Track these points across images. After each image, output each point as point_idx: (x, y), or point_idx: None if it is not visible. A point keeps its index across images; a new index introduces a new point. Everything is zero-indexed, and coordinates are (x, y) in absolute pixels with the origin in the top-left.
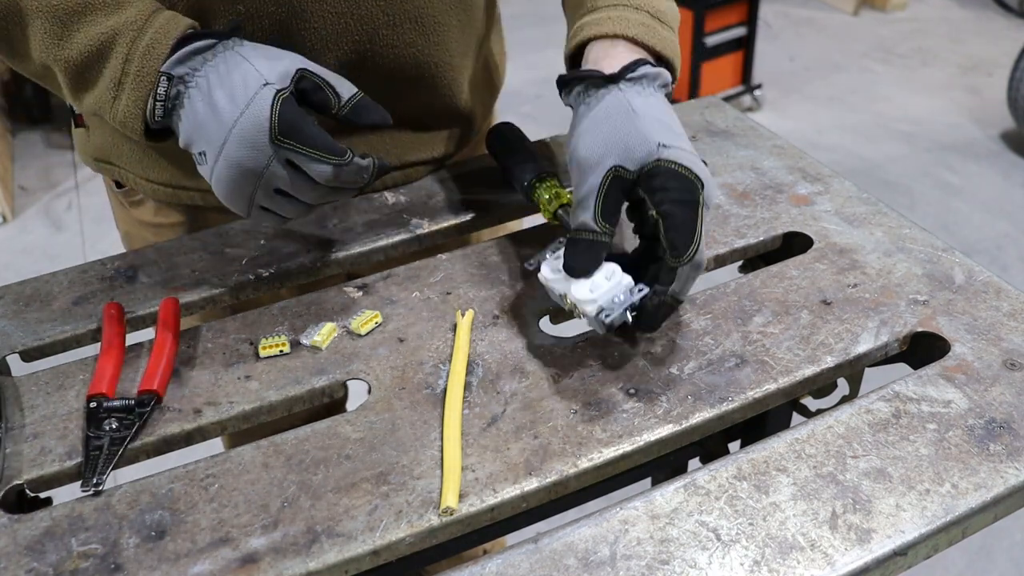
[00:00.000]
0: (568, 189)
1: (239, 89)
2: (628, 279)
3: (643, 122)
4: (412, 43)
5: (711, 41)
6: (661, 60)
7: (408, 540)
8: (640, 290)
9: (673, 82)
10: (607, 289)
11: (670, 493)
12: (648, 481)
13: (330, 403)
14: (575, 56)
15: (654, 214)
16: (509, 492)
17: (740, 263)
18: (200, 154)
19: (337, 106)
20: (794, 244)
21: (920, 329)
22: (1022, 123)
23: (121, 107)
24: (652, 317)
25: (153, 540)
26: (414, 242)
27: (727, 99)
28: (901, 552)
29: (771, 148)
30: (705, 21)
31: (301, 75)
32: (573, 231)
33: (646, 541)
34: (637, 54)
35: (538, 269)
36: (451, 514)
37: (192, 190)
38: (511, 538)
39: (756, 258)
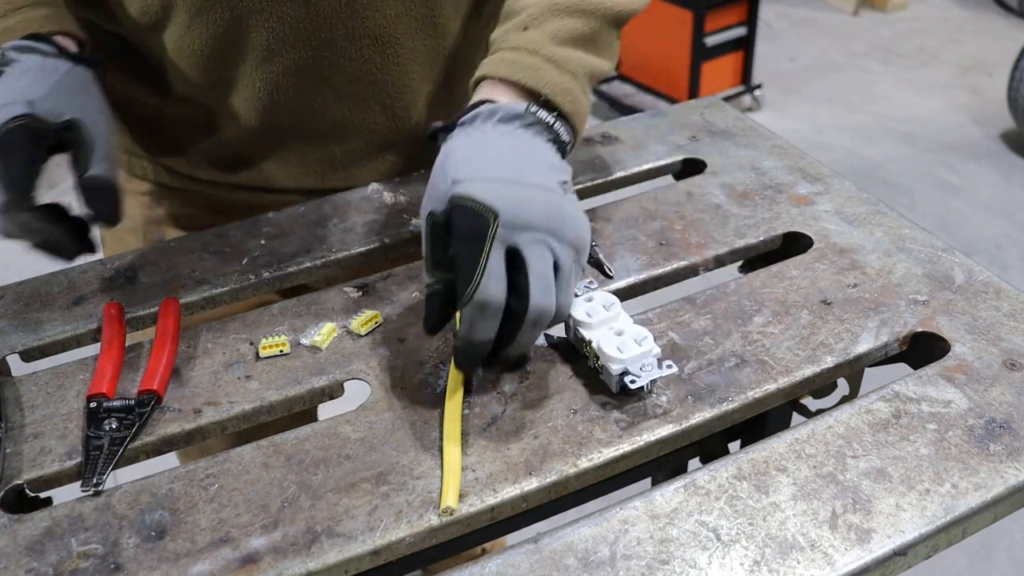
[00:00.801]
0: None
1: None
2: (657, 349)
3: (451, 160)
4: (369, 59)
5: (711, 41)
6: (552, 104)
7: (408, 540)
8: (669, 366)
9: (569, 129)
10: (636, 355)
11: (670, 493)
12: (648, 481)
13: (304, 411)
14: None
15: None
16: (509, 492)
17: (740, 263)
18: None
19: (83, 171)
20: (794, 244)
21: (920, 329)
22: (1022, 123)
23: None
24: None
25: (153, 540)
26: (414, 242)
27: (727, 99)
28: (901, 552)
29: (771, 148)
30: (705, 21)
31: (70, 124)
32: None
33: (646, 541)
34: (516, 97)
35: None
36: (451, 514)
37: (147, 160)
38: (511, 538)
39: (756, 258)
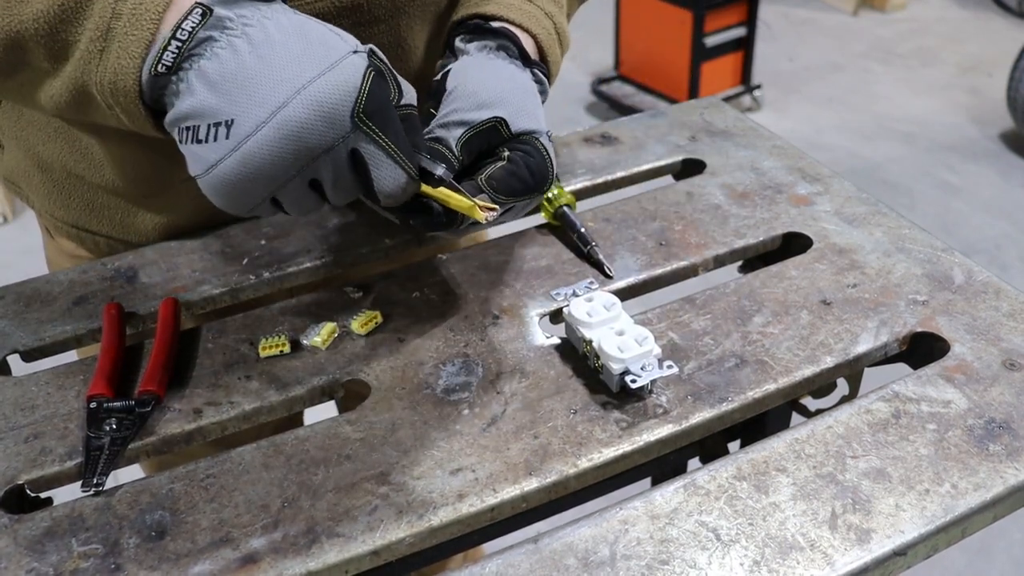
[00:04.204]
0: (569, 189)
1: (317, 48)
2: (658, 349)
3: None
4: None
5: (711, 41)
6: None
7: (408, 540)
8: (669, 366)
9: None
10: (637, 355)
11: (670, 493)
12: (648, 481)
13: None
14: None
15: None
16: (509, 492)
17: (740, 263)
18: (215, 125)
19: (397, 104)
20: (793, 244)
21: (920, 329)
22: (1022, 123)
23: (111, 60)
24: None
25: (153, 540)
26: (414, 242)
27: (727, 99)
28: (901, 552)
29: (771, 148)
30: (705, 21)
31: (372, 52)
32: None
33: (646, 541)
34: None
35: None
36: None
37: (98, 235)
38: (511, 538)
39: (756, 258)
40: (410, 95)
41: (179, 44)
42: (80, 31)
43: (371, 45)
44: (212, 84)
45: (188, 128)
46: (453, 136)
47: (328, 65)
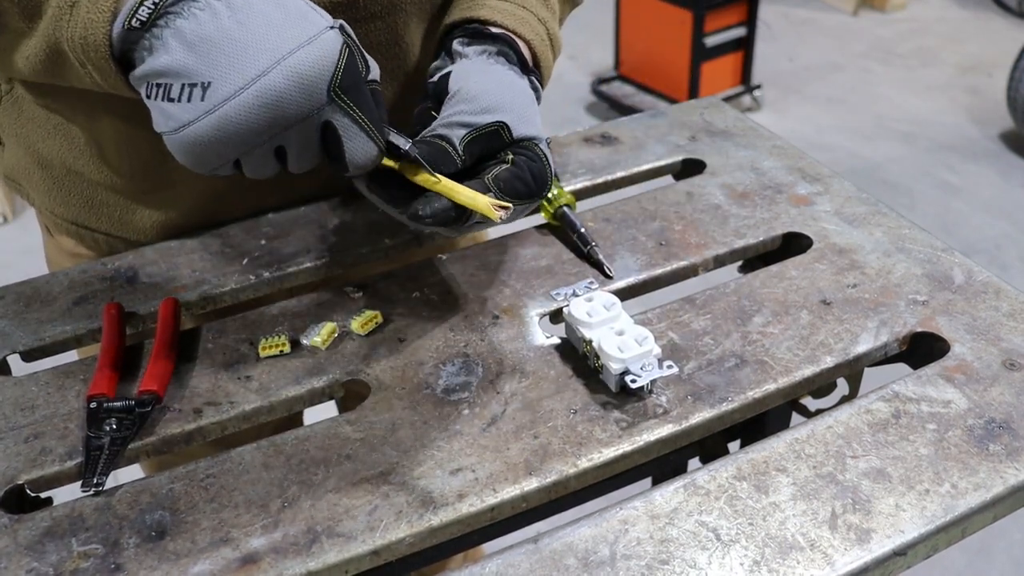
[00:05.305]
0: (569, 189)
1: (296, 19)
2: (658, 349)
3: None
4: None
5: (711, 41)
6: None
7: (408, 540)
8: (669, 366)
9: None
10: (637, 354)
11: (670, 493)
12: (648, 481)
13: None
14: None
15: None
16: (509, 492)
17: (740, 263)
18: (190, 86)
19: (365, 79)
20: (793, 244)
21: (920, 329)
22: (1022, 123)
23: (81, 15)
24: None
25: (153, 540)
26: (414, 242)
27: (727, 99)
28: (901, 552)
29: (771, 148)
30: (705, 21)
31: (342, 28)
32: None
33: (646, 541)
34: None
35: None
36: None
37: (98, 232)
38: (511, 538)
39: (756, 258)
40: (375, 71)
41: (155, 0)
42: None
43: (341, 21)
44: (189, 44)
45: (160, 85)
46: (456, 136)
47: (308, 38)
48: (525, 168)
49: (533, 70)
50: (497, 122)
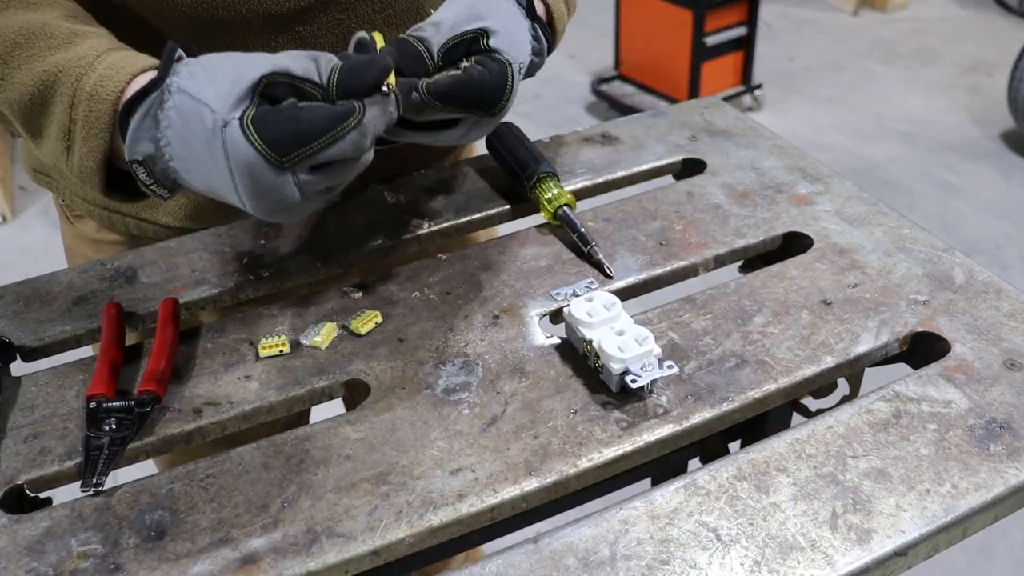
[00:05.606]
0: (569, 188)
1: (204, 145)
2: (658, 349)
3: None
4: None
5: (711, 41)
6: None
7: (408, 540)
8: (670, 366)
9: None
10: (637, 354)
11: (670, 493)
12: (648, 481)
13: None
14: None
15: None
16: (509, 492)
17: (740, 263)
18: (187, 172)
19: (322, 92)
20: (794, 244)
21: (920, 329)
22: (1022, 123)
23: (76, 161)
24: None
25: (153, 540)
26: (414, 242)
27: (727, 99)
28: (901, 552)
29: (771, 148)
30: (705, 21)
31: (267, 81)
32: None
33: (646, 541)
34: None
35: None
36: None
37: (129, 216)
38: (511, 538)
39: (756, 258)
40: (323, 67)
41: (153, 184)
42: (48, 126)
43: (262, 74)
44: (198, 189)
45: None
46: (438, 41)
47: (225, 158)
48: (475, 78)
49: (540, 20)
50: (479, 28)
